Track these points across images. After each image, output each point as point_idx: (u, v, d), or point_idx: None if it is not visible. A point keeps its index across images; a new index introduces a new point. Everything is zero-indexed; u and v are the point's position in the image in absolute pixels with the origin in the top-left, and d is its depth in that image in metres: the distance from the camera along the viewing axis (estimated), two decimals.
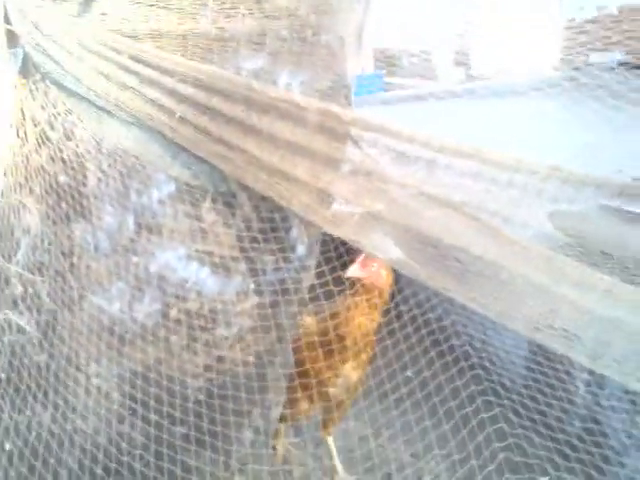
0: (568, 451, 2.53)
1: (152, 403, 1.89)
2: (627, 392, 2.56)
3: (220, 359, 1.87)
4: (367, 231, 1.65)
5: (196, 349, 1.83)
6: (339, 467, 2.68)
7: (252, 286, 1.75)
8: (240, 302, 1.77)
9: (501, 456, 2.38)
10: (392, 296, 2.43)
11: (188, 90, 1.33)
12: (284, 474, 2.70)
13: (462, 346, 2.83)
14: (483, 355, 3.00)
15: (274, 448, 2.69)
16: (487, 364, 2.93)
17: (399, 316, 3.12)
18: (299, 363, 2.31)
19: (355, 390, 2.53)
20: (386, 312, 2.43)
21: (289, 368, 2.14)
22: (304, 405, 2.51)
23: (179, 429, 1.96)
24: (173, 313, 1.74)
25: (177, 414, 1.93)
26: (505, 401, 2.76)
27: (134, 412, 1.90)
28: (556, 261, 1.55)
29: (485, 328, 3.00)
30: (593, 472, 2.46)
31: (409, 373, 2.74)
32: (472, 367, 2.63)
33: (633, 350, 1.54)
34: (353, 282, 2.32)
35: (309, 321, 2.39)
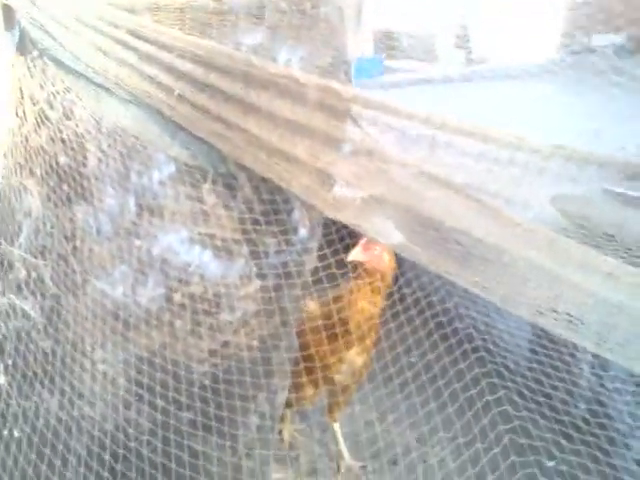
0: (573, 433, 2.53)
1: (158, 389, 1.90)
2: (632, 375, 2.56)
3: (225, 344, 1.87)
4: (368, 215, 1.64)
5: (200, 334, 1.83)
6: (345, 452, 2.68)
7: (255, 269, 1.75)
8: (243, 286, 1.77)
9: (506, 438, 2.39)
10: (395, 280, 2.43)
11: (186, 66, 1.32)
12: (290, 460, 2.71)
13: (466, 329, 2.83)
14: (487, 337, 2.99)
15: (280, 433, 2.70)
16: (491, 346, 2.92)
17: (402, 299, 3.12)
18: (303, 348, 2.31)
19: (360, 375, 2.53)
20: (389, 296, 2.43)
21: (293, 352, 2.14)
22: (309, 390, 2.52)
23: (185, 414, 1.97)
24: (177, 297, 1.74)
25: (183, 399, 1.94)
26: (509, 383, 2.76)
27: (140, 398, 1.91)
28: (559, 243, 1.54)
29: (489, 310, 3.00)
30: (598, 454, 2.46)
31: (413, 358, 2.74)
32: (476, 349, 2.63)
33: (637, 334, 1.53)
34: (355, 266, 2.32)
35: (312, 306, 2.40)
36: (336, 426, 2.68)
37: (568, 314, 1.45)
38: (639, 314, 1.49)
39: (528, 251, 1.47)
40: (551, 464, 2.58)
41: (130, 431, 1.95)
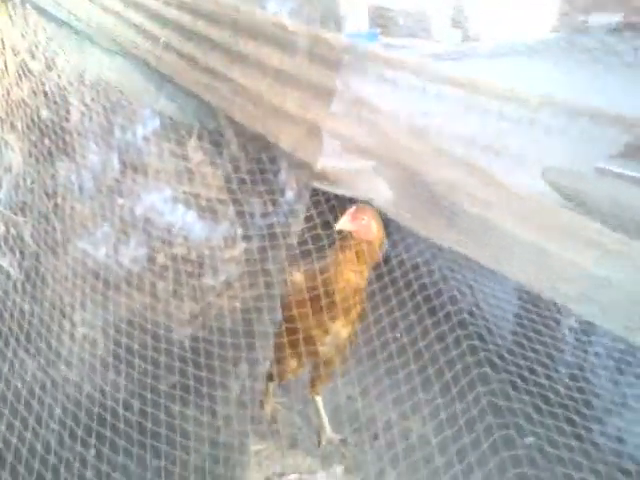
0: (552, 397, 2.54)
1: (138, 353, 1.87)
2: (614, 339, 2.56)
3: (207, 306, 1.84)
4: (358, 179, 1.62)
5: (182, 296, 1.81)
6: (326, 425, 2.68)
7: (240, 231, 1.72)
8: (228, 248, 1.74)
9: (484, 401, 2.38)
10: (382, 251, 2.41)
11: (172, 13, 1.28)
12: (271, 432, 2.70)
13: (450, 291, 2.82)
14: (471, 300, 2.99)
15: (262, 406, 2.69)
16: (474, 309, 2.93)
17: (390, 272, 3.11)
18: (287, 319, 2.28)
19: (344, 348, 2.51)
20: (376, 267, 2.41)
21: (277, 321, 2.12)
22: (292, 363, 2.50)
23: (165, 381, 1.95)
24: (160, 259, 1.71)
25: (163, 364, 1.91)
26: (491, 346, 2.76)
27: (120, 359, 1.88)
28: (546, 208, 1.53)
29: (475, 274, 3.00)
30: (576, 418, 2.47)
31: (398, 334, 2.73)
32: (459, 312, 2.63)
33: (620, 300, 1.52)
34: (342, 236, 2.29)
35: (298, 277, 2.37)
36: (318, 399, 2.67)
37: (554, 276, 1.44)
38: (623, 283, 1.48)
39: (515, 214, 1.46)
40: (529, 440, 2.59)
41: (108, 393, 1.93)
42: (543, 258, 1.48)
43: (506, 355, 2.83)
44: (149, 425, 1.97)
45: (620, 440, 2.58)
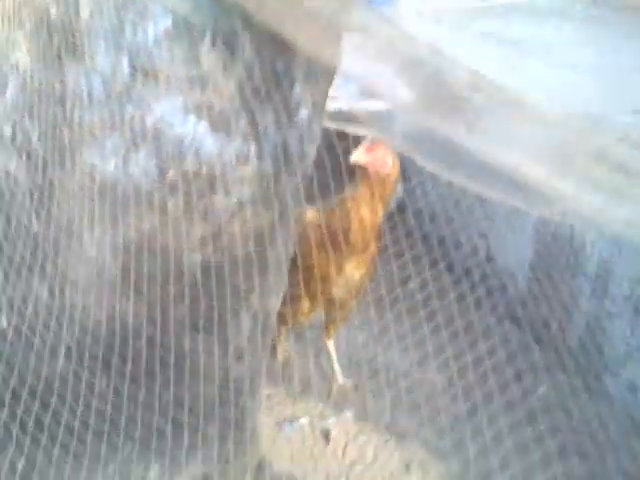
0: (567, 346, 2.49)
1: (147, 278, 1.83)
2: (630, 297, 2.50)
3: (218, 231, 1.80)
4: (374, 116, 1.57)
5: (193, 218, 1.76)
6: (338, 372, 2.64)
7: (253, 148, 1.67)
8: (240, 166, 1.69)
9: (499, 351, 2.34)
10: (397, 187, 2.35)
11: None
12: (283, 377, 2.66)
13: (468, 241, 2.78)
14: (485, 253, 2.94)
15: (274, 350, 2.65)
16: (489, 259, 2.88)
17: (402, 210, 3.06)
18: (301, 258, 2.24)
19: (358, 290, 2.47)
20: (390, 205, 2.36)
21: (291, 254, 2.07)
22: (305, 304, 2.46)
23: (175, 310, 1.90)
24: (170, 175, 1.66)
25: (172, 293, 1.87)
26: (506, 296, 2.71)
27: (128, 286, 1.84)
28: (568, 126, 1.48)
29: (490, 223, 2.94)
30: (590, 367, 2.42)
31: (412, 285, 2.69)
32: (474, 261, 2.59)
33: None
34: (357, 170, 2.24)
35: (311, 214, 2.32)
36: (331, 344, 2.63)
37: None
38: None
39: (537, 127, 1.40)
40: (542, 390, 2.54)
41: (117, 320, 1.89)
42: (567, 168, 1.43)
43: (521, 304, 2.79)
44: (158, 355, 1.94)
45: (634, 389, 2.52)
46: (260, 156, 1.70)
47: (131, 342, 1.92)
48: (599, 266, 2.62)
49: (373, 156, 2.19)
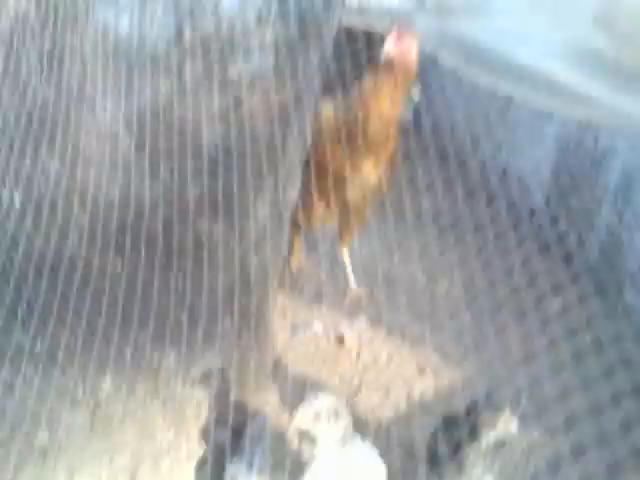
0: (586, 268, 2.45)
1: (163, 153, 1.76)
2: None
3: (238, 102, 1.72)
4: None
5: (212, 86, 1.68)
6: (352, 279, 2.59)
7: (274, 9, 1.59)
8: (261, 29, 1.61)
9: (516, 264, 2.31)
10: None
11: None
12: (296, 286, 2.62)
13: (486, 152, 2.71)
14: (505, 164, 2.88)
15: (287, 260, 2.58)
16: (506, 171, 2.82)
17: (418, 117, 3.00)
18: (316, 157, 2.17)
19: (373, 195, 2.39)
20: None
21: (305, 142, 1.99)
22: (319, 209, 2.38)
23: (192, 190, 1.83)
24: (187, 35, 1.59)
25: (190, 171, 1.80)
26: (524, 208, 2.65)
27: (144, 161, 1.77)
28: None
29: (509, 134, 2.88)
30: (609, 278, 2.38)
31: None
32: (496, 175, 2.53)
33: None
34: (379, 59, 2.15)
35: (328, 109, 2.25)
36: (345, 252, 2.58)
37: None
38: None
39: None
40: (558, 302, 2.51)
41: (131, 201, 1.83)
42: None
43: (539, 217, 2.73)
44: (176, 239, 1.88)
45: None
46: (282, 19, 1.62)
47: (146, 224, 1.85)
48: (621, 178, 2.55)
49: (401, 44, 2.11)
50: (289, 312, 2.52)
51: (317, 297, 2.56)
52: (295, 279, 2.63)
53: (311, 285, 2.61)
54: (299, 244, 2.66)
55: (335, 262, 2.66)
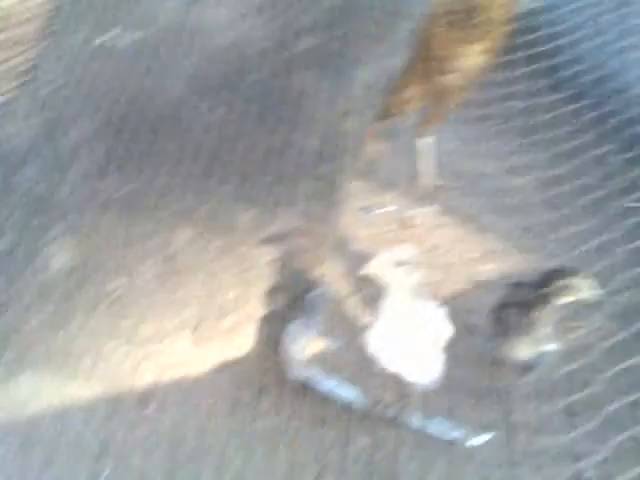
0: None
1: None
2: None
3: None
4: None
5: None
6: (426, 171, 2.59)
7: None
8: None
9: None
10: None
11: None
12: (369, 172, 2.64)
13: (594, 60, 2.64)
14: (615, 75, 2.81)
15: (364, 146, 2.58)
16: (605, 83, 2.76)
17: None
18: (424, 37, 2.14)
19: (472, 79, 2.33)
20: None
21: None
22: (415, 91, 2.35)
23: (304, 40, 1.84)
24: None
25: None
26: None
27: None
28: None
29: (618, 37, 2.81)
30: None
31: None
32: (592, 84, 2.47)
33: None
34: None
35: None
36: (422, 143, 2.57)
37: None
38: None
39: None
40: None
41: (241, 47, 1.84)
42: None
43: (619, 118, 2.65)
44: (277, 94, 1.88)
45: None
46: None
47: (250, 76, 1.87)
48: None
49: None
50: (361, 194, 2.56)
51: (390, 185, 2.60)
52: (370, 166, 2.65)
53: (385, 173, 2.63)
54: (375, 135, 2.66)
55: (411, 155, 2.68)
